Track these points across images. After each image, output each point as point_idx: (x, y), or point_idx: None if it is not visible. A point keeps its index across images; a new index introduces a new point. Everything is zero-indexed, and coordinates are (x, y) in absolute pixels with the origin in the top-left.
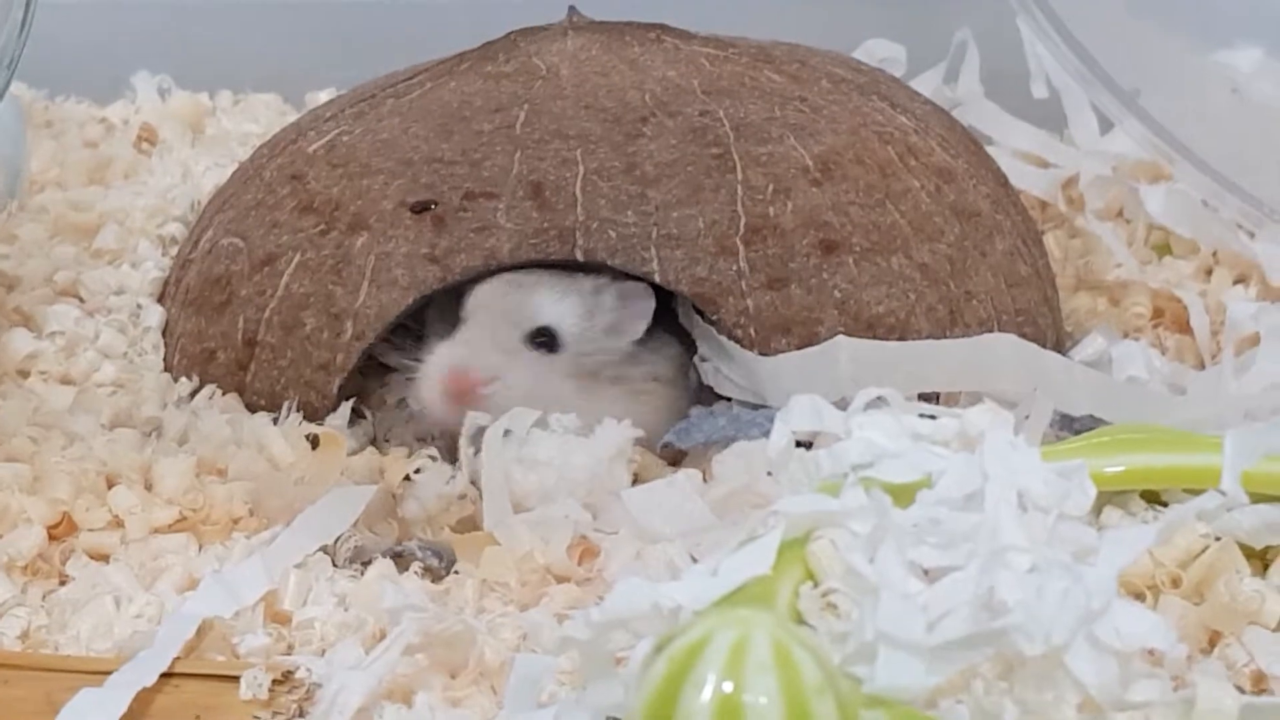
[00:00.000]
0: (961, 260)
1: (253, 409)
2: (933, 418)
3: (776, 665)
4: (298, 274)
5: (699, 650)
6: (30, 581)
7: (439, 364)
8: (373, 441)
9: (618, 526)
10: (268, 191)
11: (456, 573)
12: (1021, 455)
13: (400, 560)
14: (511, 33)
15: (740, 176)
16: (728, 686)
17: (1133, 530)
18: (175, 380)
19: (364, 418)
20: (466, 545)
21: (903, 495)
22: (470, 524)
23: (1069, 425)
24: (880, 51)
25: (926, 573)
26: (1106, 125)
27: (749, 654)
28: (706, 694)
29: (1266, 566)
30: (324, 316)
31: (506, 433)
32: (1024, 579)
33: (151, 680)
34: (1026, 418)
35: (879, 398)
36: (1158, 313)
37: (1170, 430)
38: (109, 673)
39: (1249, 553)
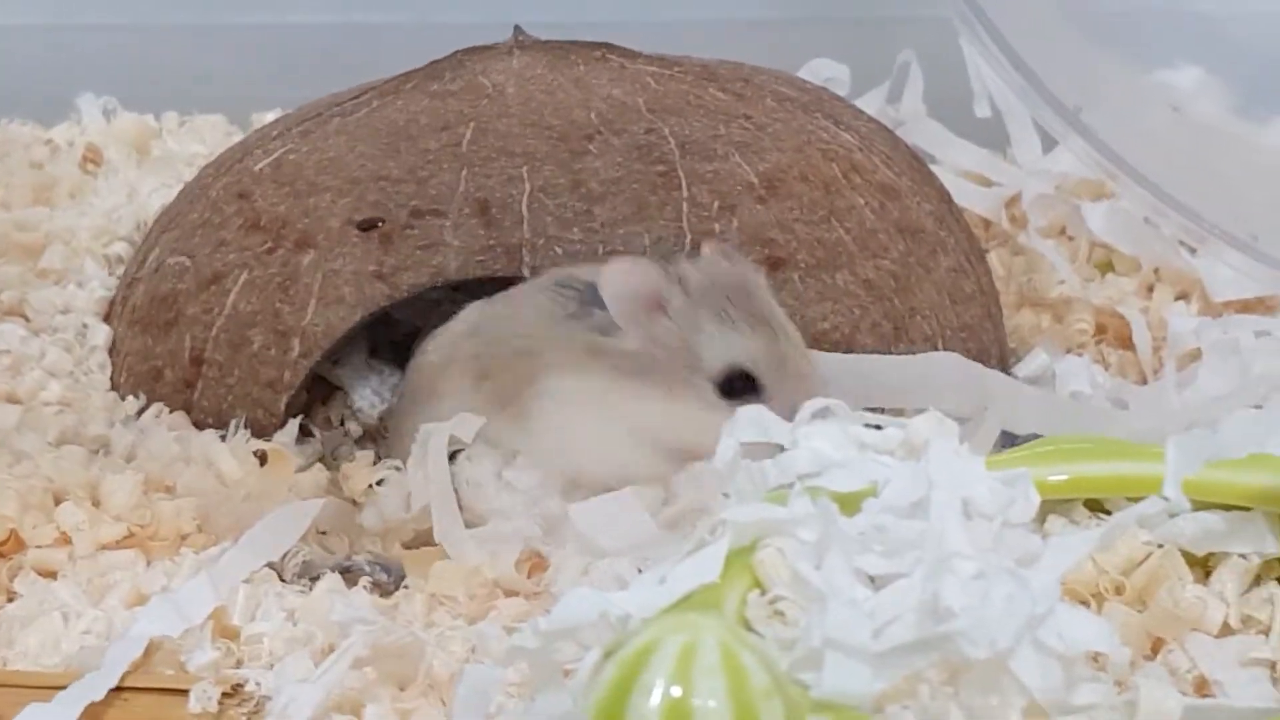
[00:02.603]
0: (906, 277)
1: (200, 427)
2: (878, 428)
3: (724, 670)
4: (245, 292)
5: (648, 655)
6: None
7: None
8: (320, 459)
9: (567, 542)
10: (214, 210)
11: (406, 587)
12: (966, 464)
13: (349, 575)
14: (457, 52)
15: (685, 194)
16: (676, 691)
17: (1075, 536)
18: (122, 399)
19: (311, 435)
20: (416, 560)
21: (849, 504)
22: (429, 537)
23: (1012, 443)
24: (824, 71)
25: (873, 580)
26: (1049, 144)
27: (697, 658)
28: (655, 698)
29: (1208, 574)
30: (271, 334)
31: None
32: (969, 585)
33: (100, 696)
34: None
35: (825, 408)
36: (1100, 329)
37: (1113, 440)
38: (58, 688)
39: (1191, 560)
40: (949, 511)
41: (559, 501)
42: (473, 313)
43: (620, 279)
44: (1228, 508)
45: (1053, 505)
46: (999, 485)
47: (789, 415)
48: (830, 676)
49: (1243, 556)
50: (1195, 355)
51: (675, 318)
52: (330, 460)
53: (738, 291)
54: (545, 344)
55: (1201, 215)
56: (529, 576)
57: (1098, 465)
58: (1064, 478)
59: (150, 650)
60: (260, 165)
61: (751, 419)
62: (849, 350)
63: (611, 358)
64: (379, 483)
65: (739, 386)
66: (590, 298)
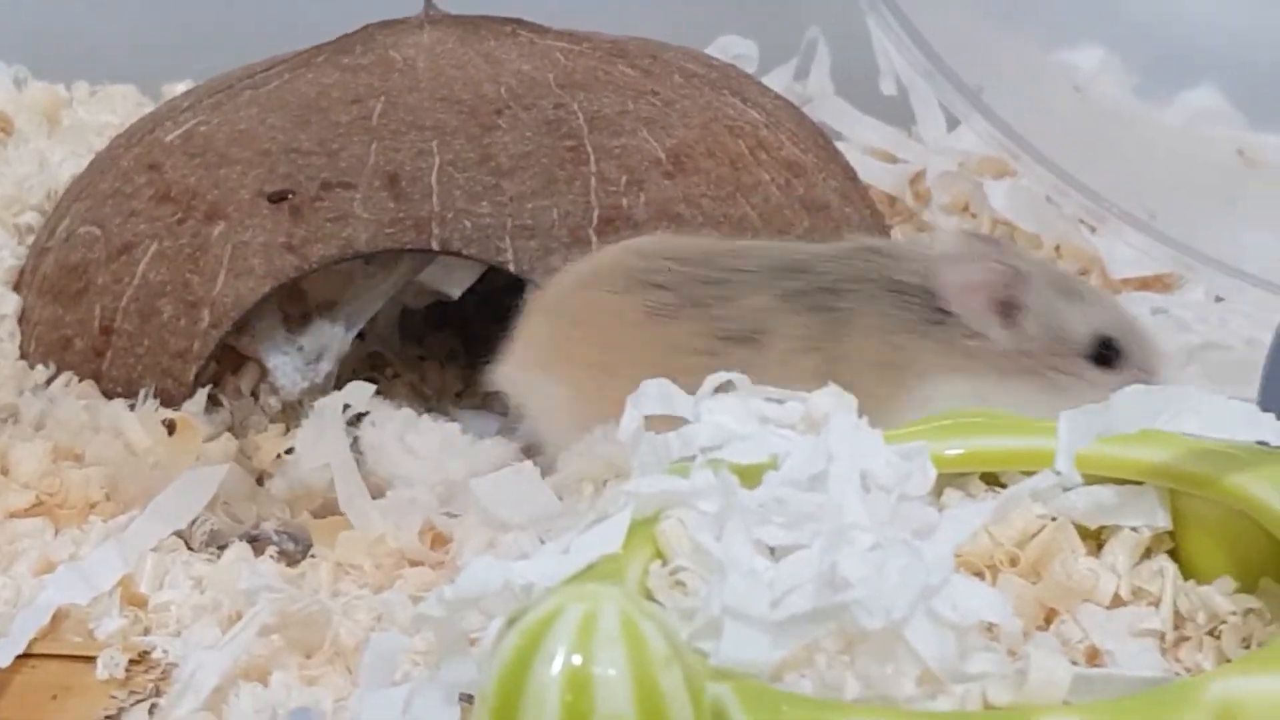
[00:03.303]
0: None
1: (110, 396)
2: (780, 402)
3: (624, 638)
4: (155, 262)
5: (549, 624)
6: None
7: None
8: (229, 428)
9: (468, 511)
10: (125, 180)
11: (313, 556)
12: (865, 437)
13: (256, 544)
14: (368, 25)
15: (594, 168)
16: (577, 659)
17: (970, 508)
18: (31, 368)
19: (220, 405)
20: (323, 529)
21: (750, 476)
22: (337, 506)
23: None
24: (733, 48)
25: (773, 551)
26: (953, 122)
27: (598, 627)
28: (556, 666)
29: (1101, 546)
30: (181, 305)
31: (346, 407)
32: (865, 556)
33: (7, 662)
34: None
35: (728, 381)
36: None
37: (1009, 415)
38: None
39: (1084, 533)
40: (847, 484)
41: (460, 466)
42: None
43: (966, 278)
44: (1120, 482)
45: (950, 479)
46: (897, 459)
47: (1152, 377)
48: (729, 645)
49: (1134, 530)
50: None
51: (1031, 304)
52: (240, 430)
53: (1047, 267)
54: (914, 354)
55: (1100, 194)
56: (432, 548)
57: (993, 439)
58: (960, 452)
59: (58, 618)
60: (171, 136)
61: (655, 392)
62: None
63: (988, 358)
64: (287, 452)
65: (1107, 355)
66: (934, 300)
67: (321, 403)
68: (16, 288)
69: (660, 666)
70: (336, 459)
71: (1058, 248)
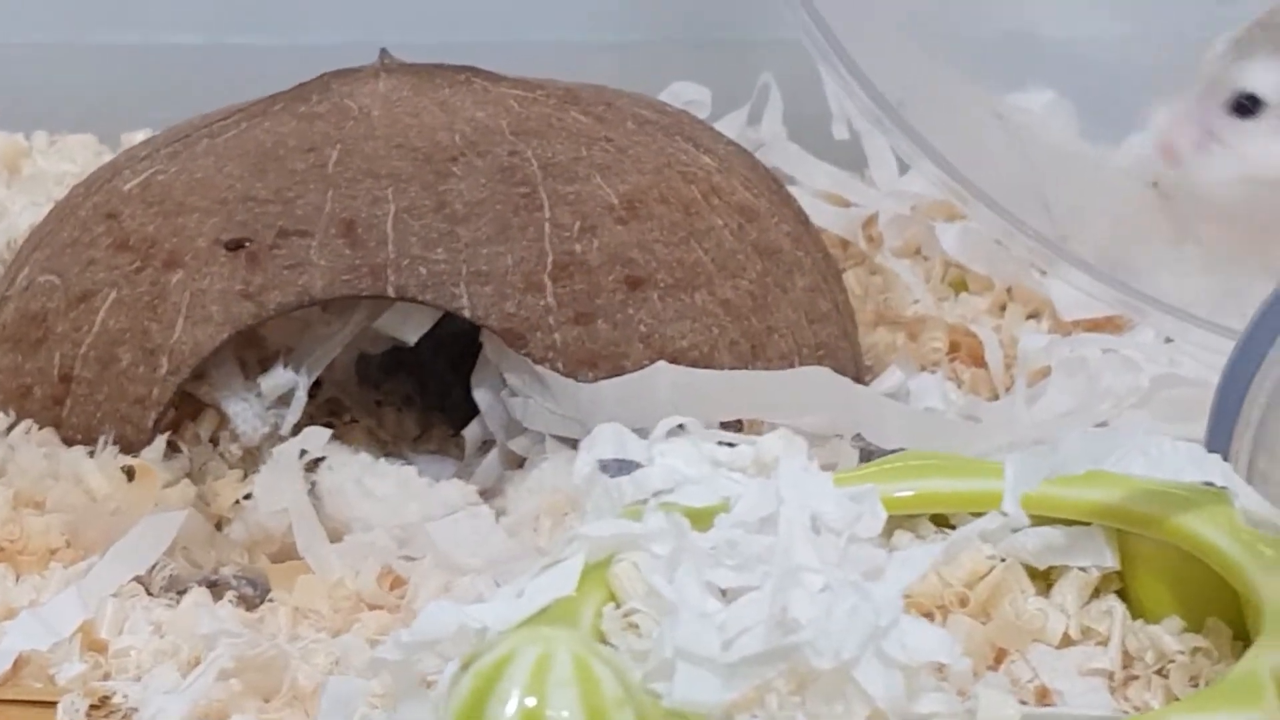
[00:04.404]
0: (763, 296)
1: (70, 443)
2: (731, 445)
3: (578, 680)
4: (114, 310)
5: (503, 667)
6: None
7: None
8: (188, 474)
9: (425, 553)
10: (84, 229)
11: (271, 600)
12: (814, 480)
13: (215, 589)
14: (324, 74)
15: (548, 215)
16: (530, 701)
17: (918, 550)
18: None
19: (180, 451)
20: (281, 574)
21: (702, 519)
22: (295, 550)
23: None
24: (686, 94)
25: (724, 593)
26: (905, 166)
27: (551, 670)
28: (510, 708)
29: (1050, 586)
30: (140, 352)
31: (303, 452)
32: (815, 598)
33: None
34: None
35: (680, 425)
36: (954, 347)
37: (959, 457)
38: None
39: (1033, 573)
40: (797, 526)
41: (417, 510)
42: None
43: None
44: (1068, 523)
45: (900, 521)
46: (846, 501)
47: None
48: (681, 686)
49: (1083, 570)
50: (1045, 372)
51: None
52: (199, 476)
53: None
54: None
55: (1047, 237)
56: (390, 590)
57: (942, 481)
58: (910, 493)
59: (19, 664)
60: (129, 185)
61: (609, 436)
62: (707, 368)
63: None
64: (246, 497)
65: None
66: None
67: (279, 449)
68: None
69: (613, 708)
70: (294, 504)
71: (1009, 290)
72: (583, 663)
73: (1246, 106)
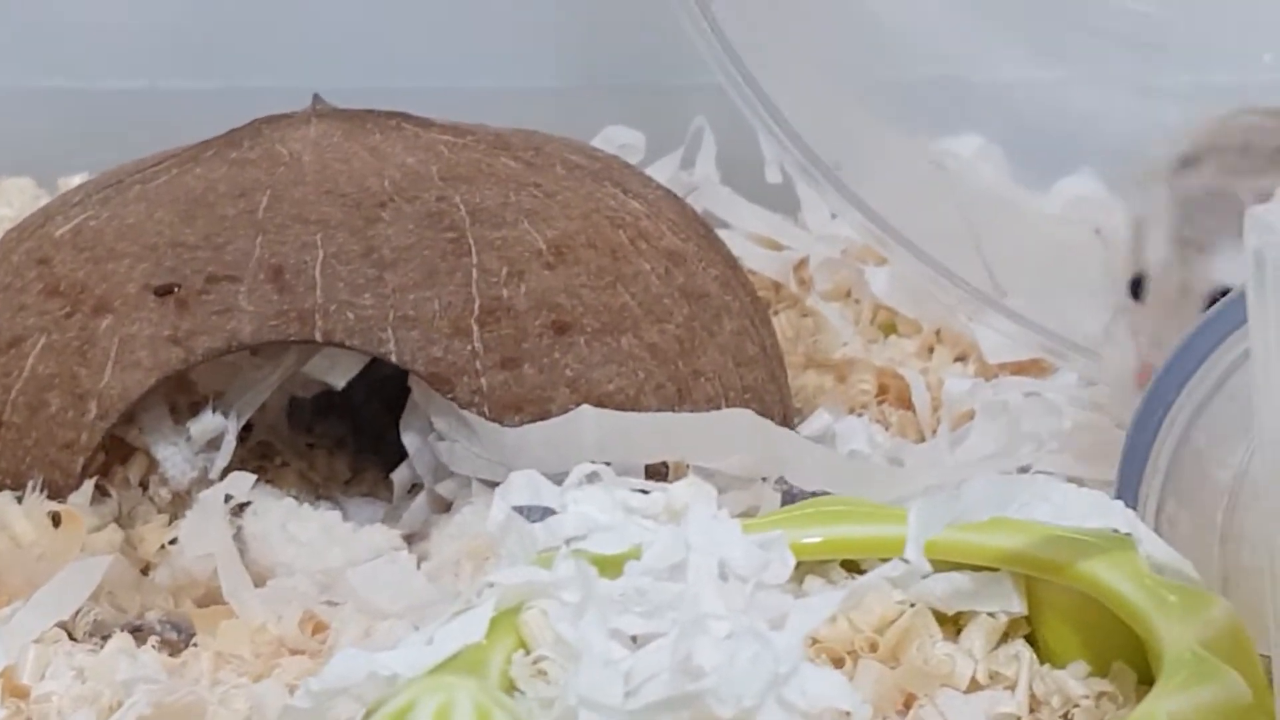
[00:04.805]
0: (690, 340)
1: None
2: (645, 492)
3: None
4: (43, 356)
5: (405, 714)
6: None
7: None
8: (117, 519)
9: (348, 599)
10: (15, 275)
11: (195, 645)
12: (723, 527)
13: (139, 634)
14: (256, 120)
15: (475, 260)
16: None
17: (820, 597)
18: None
19: (109, 495)
20: (206, 618)
21: (612, 566)
22: (221, 595)
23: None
24: (620, 138)
25: (634, 640)
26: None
27: (452, 718)
28: None
29: (959, 631)
30: (69, 397)
31: (228, 498)
32: (720, 645)
33: None
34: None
35: (594, 472)
36: (882, 389)
37: (869, 503)
38: None
39: (942, 619)
40: (705, 573)
41: (340, 554)
42: None
43: None
44: (976, 568)
45: (812, 566)
46: (754, 548)
47: None
48: None
49: (991, 615)
50: (969, 415)
51: None
52: (128, 520)
53: None
54: None
55: (969, 282)
56: (312, 635)
57: (851, 528)
58: (818, 539)
59: None
60: (61, 231)
61: (523, 483)
62: (634, 411)
63: None
64: (172, 542)
65: None
66: None
67: (204, 494)
68: None
69: None
70: (219, 548)
71: (938, 332)
72: (484, 711)
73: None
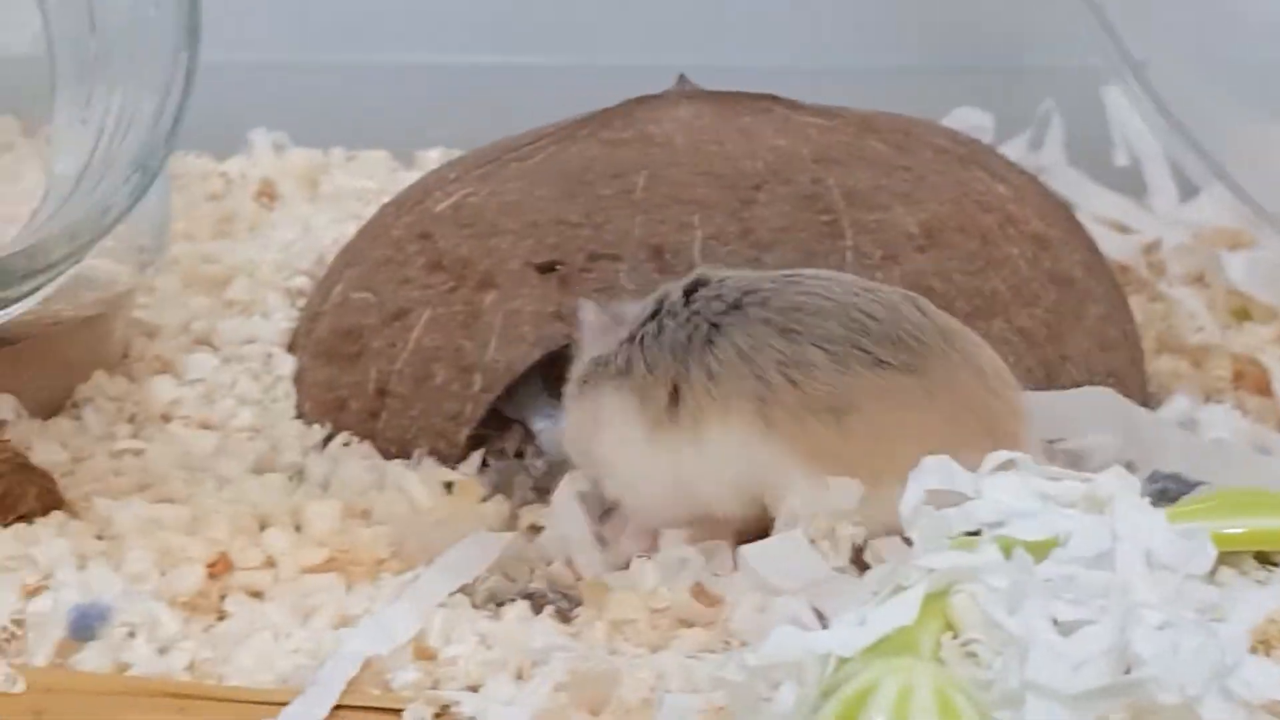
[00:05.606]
0: (1057, 324)
1: (385, 456)
2: (1057, 480)
3: (939, 711)
4: (428, 329)
5: (867, 695)
6: (192, 617)
7: None
8: (498, 488)
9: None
10: (397, 249)
11: (577, 615)
12: (1149, 518)
13: (533, 601)
14: (627, 101)
15: (850, 243)
16: None
17: (1262, 590)
18: (308, 426)
19: (488, 466)
20: (587, 589)
21: (1036, 553)
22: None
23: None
24: (969, 119)
25: (1058, 626)
26: (1186, 193)
27: (914, 699)
28: None
29: None
30: (454, 369)
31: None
32: (1157, 634)
33: (324, 713)
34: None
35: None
36: (1238, 376)
37: (1274, 494)
38: (277, 704)
39: None
40: (1134, 563)
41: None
42: None
43: None
44: None
45: (1223, 557)
46: (1178, 538)
47: None
48: (1031, 717)
49: None
50: None
51: None
52: (505, 489)
53: None
54: None
55: None
56: (706, 607)
57: (1272, 519)
58: (1240, 531)
59: (363, 669)
60: (441, 206)
61: (936, 468)
62: None
63: None
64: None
65: None
66: None
67: (568, 477)
68: (290, 349)
69: None
70: (576, 536)
71: None
72: (944, 694)
73: None
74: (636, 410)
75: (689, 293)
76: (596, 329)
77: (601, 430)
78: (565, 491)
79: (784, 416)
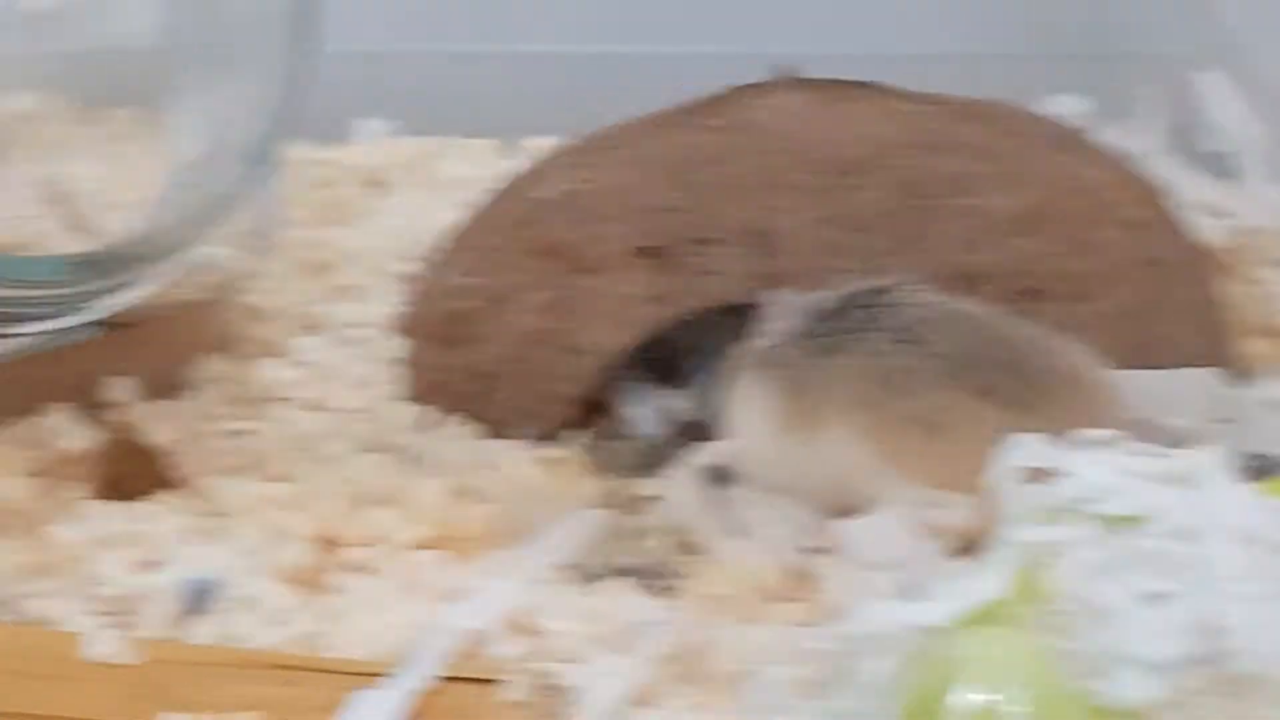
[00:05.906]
0: (1150, 307)
1: (489, 436)
2: (1145, 456)
3: (1031, 681)
4: (532, 312)
5: (959, 667)
6: (299, 592)
7: None
8: (597, 468)
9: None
10: (502, 235)
11: (674, 589)
12: (1239, 493)
13: (629, 576)
14: (729, 88)
15: (948, 227)
16: (987, 697)
17: None
18: (415, 407)
19: (590, 445)
20: (686, 565)
21: (1124, 526)
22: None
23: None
24: (1068, 105)
25: (1146, 597)
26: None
27: (1006, 670)
28: (967, 703)
29: None
30: (556, 351)
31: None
32: (1246, 606)
33: (426, 685)
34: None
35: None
36: None
37: None
38: (382, 675)
39: None
40: (1223, 537)
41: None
42: None
43: None
44: None
45: None
46: (1268, 513)
47: None
48: (1120, 685)
49: None
50: None
51: None
52: (605, 469)
53: None
54: None
55: None
56: (799, 584)
57: None
58: None
59: (464, 639)
60: (547, 193)
61: (1029, 443)
62: None
63: None
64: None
65: None
66: None
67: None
68: (399, 333)
69: (1063, 705)
70: (696, 516)
71: None
72: (1035, 665)
73: None
74: (774, 400)
75: (856, 303)
76: (780, 317)
77: (745, 413)
78: (684, 468)
79: (880, 425)
